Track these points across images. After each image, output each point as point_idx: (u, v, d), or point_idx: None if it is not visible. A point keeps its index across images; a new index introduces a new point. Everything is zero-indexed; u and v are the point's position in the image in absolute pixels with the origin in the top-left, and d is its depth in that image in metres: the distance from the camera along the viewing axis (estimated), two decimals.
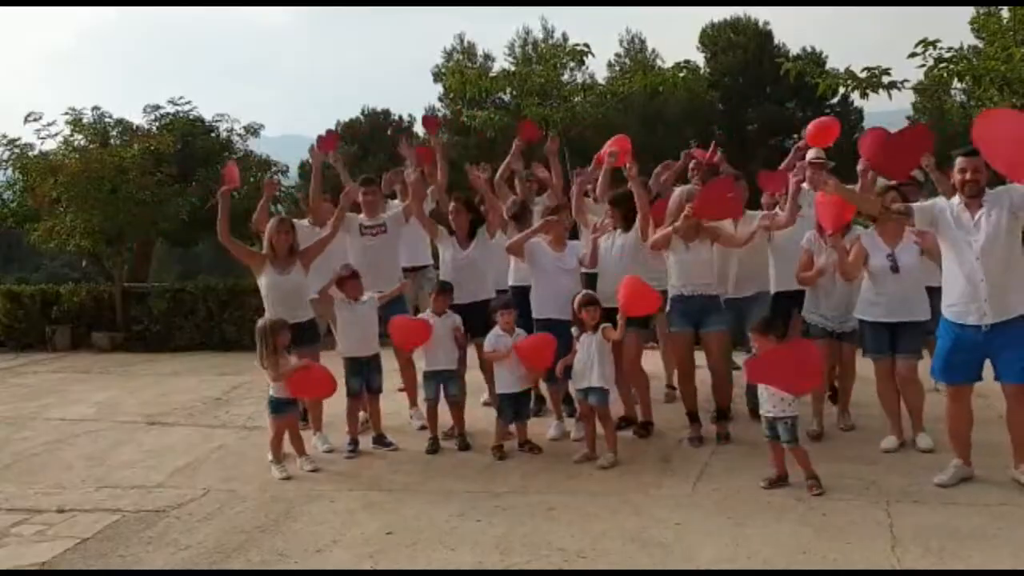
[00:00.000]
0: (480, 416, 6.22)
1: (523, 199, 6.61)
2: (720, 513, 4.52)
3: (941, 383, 5.80)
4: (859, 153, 5.22)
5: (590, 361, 5.42)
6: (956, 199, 4.65)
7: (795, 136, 29.77)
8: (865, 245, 5.35)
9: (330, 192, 7.16)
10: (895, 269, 5.23)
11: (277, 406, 5.60)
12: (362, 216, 6.49)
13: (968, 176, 4.55)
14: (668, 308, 5.84)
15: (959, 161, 4.60)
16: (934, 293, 5.34)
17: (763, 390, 4.94)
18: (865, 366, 6.77)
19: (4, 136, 12.60)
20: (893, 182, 5.77)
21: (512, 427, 5.77)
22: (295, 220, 6.41)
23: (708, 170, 6.82)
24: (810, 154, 6.89)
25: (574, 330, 5.54)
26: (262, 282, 5.94)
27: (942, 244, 4.72)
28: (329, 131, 7.61)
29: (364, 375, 5.94)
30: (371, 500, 4.99)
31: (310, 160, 7.33)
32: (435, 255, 7.01)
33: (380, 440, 6.00)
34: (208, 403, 7.88)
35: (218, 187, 6.09)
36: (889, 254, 5.26)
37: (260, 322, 5.61)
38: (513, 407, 5.70)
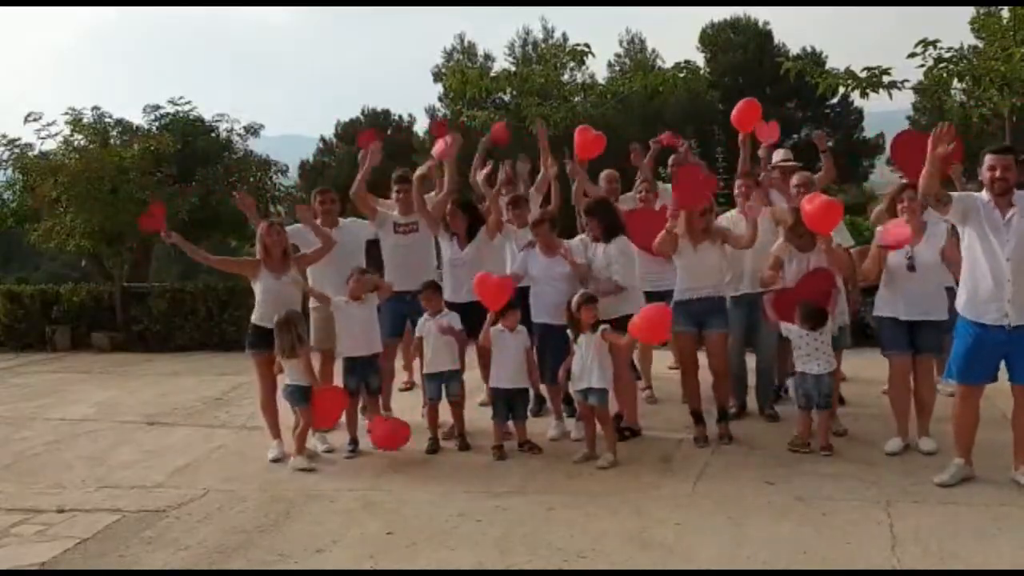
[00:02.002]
0: (479, 416, 6.22)
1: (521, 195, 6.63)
2: (720, 513, 4.52)
3: (944, 383, 5.79)
4: (891, 154, 5.32)
5: (589, 362, 5.41)
6: (985, 195, 4.57)
7: (795, 136, 29.79)
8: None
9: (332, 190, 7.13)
10: (912, 267, 5.18)
11: (303, 395, 5.65)
12: (396, 214, 6.49)
13: (998, 174, 4.49)
14: (671, 308, 5.84)
15: (988, 158, 4.55)
16: (951, 294, 5.32)
17: (803, 348, 5.28)
18: (862, 367, 6.79)
19: (4, 136, 12.61)
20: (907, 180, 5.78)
21: (511, 427, 5.76)
22: (293, 225, 6.44)
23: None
24: (777, 156, 6.94)
25: (570, 332, 5.53)
26: (258, 287, 5.92)
27: (968, 238, 4.62)
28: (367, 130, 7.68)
29: (362, 375, 5.93)
30: (371, 500, 4.99)
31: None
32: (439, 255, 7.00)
33: None
34: (208, 403, 7.88)
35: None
36: (907, 252, 5.20)
37: (277, 317, 5.64)
38: (507, 403, 5.69)
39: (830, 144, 7.09)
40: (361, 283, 5.87)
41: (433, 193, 6.79)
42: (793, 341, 5.42)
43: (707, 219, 5.73)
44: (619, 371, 6.00)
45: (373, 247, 6.70)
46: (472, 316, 5.93)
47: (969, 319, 4.63)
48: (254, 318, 5.91)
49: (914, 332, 5.25)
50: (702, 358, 5.93)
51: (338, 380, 6.01)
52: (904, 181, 5.75)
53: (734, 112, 6.74)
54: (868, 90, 8.99)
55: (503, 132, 7.12)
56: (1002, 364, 4.64)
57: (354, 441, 5.91)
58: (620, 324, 5.61)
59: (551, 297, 5.82)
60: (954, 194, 4.69)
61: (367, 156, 6.47)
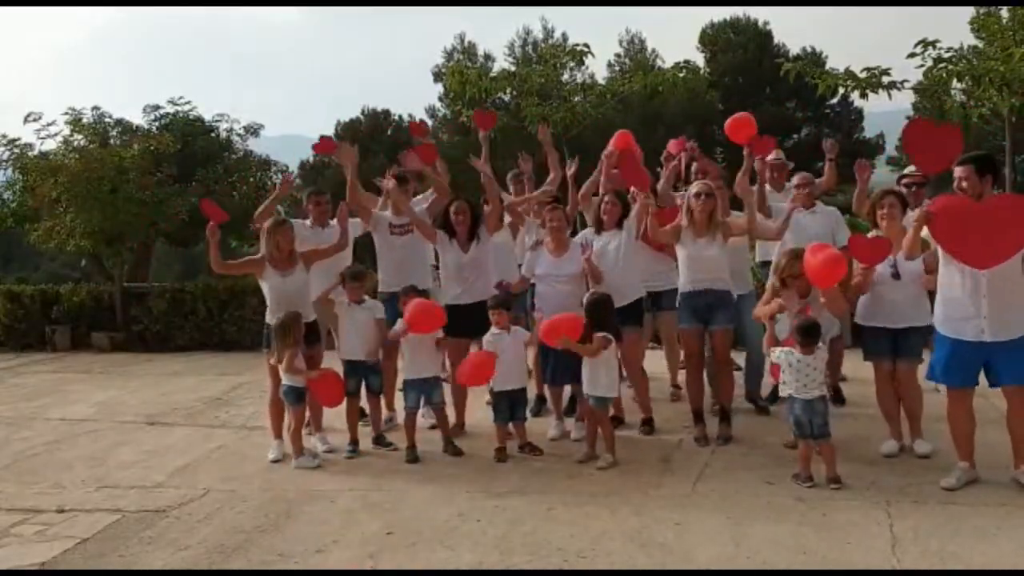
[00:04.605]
0: (480, 416, 6.22)
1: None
2: (720, 513, 4.52)
3: (942, 384, 5.79)
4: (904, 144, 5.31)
5: (596, 367, 5.41)
6: None
7: (795, 136, 29.80)
8: None
9: (331, 191, 7.14)
10: (897, 276, 5.15)
11: (300, 395, 5.68)
12: (390, 214, 6.51)
13: (964, 184, 4.53)
14: (678, 304, 5.86)
15: (956, 170, 4.59)
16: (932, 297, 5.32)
17: (787, 370, 4.89)
18: (862, 367, 6.79)
19: (4, 136, 12.63)
20: (892, 186, 5.81)
21: (512, 428, 5.76)
22: (294, 220, 6.43)
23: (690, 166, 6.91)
24: (770, 156, 6.93)
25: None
26: (265, 285, 5.93)
27: (946, 255, 4.63)
28: (323, 137, 7.64)
29: (362, 374, 5.93)
30: (371, 500, 4.99)
31: (310, 160, 7.36)
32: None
33: (380, 440, 6.00)
34: (208, 403, 7.88)
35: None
36: (891, 261, 5.16)
37: (277, 318, 5.66)
38: (509, 405, 5.68)
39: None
40: (359, 286, 5.91)
41: (422, 196, 6.80)
42: (781, 363, 5.02)
43: (710, 211, 5.66)
44: (631, 367, 6.09)
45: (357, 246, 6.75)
46: (476, 317, 5.92)
47: (945, 335, 4.66)
48: (267, 318, 5.93)
49: (897, 338, 5.25)
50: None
51: None
52: (885, 188, 5.75)
53: (729, 123, 6.57)
54: (868, 90, 9.00)
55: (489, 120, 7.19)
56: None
57: (354, 442, 5.90)
58: (623, 312, 5.68)
59: (555, 298, 5.81)
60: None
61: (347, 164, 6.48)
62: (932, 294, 5.25)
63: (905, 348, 5.26)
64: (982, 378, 4.73)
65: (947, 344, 4.66)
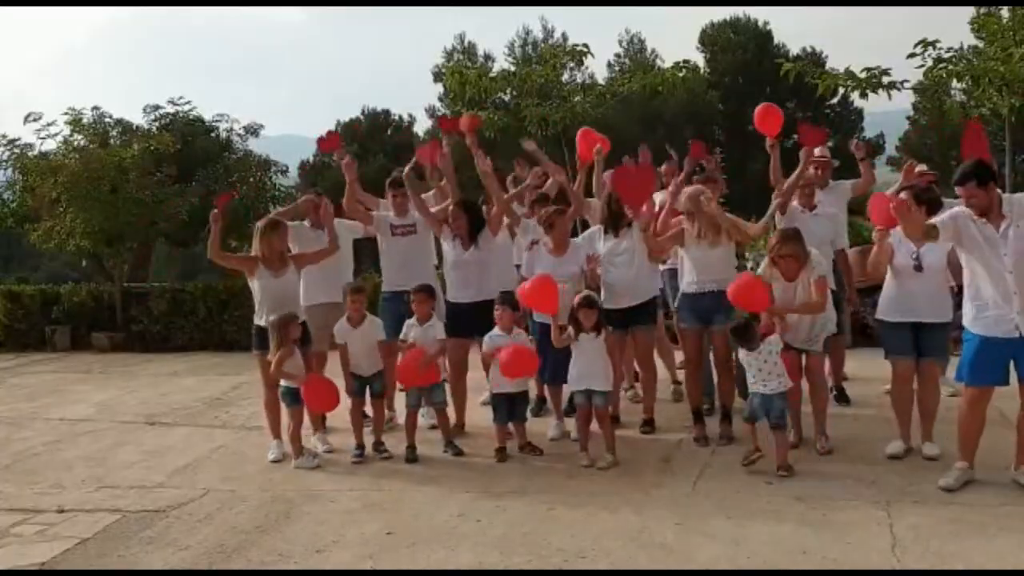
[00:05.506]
0: (480, 416, 6.22)
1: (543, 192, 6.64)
2: (720, 513, 4.52)
3: (946, 387, 5.74)
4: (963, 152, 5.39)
5: (592, 363, 5.41)
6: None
7: (795, 136, 29.83)
8: (891, 242, 5.23)
9: (330, 192, 7.13)
10: (919, 268, 5.12)
11: (297, 396, 5.66)
12: (392, 216, 6.51)
13: (973, 202, 4.50)
14: (677, 305, 5.85)
15: (958, 191, 4.55)
16: (952, 292, 5.31)
17: (752, 368, 5.10)
18: (862, 367, 6.78)
19: (4, 136, 12.63)
20: (909, 183, 5.77)
21: (512, 428, 5.75)
22: (293, 222, 6.43)
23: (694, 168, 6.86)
24: (816, 151, 6.90)
25: (571, 330, 5.50)
26: (256, 284, 5.92)
27: (967, 256, 4.61)
28: (330, 132, 7.59)
29: (366, 380, 5.90)
30: (371, 500, 4.99)
31: (310, 160, 7.32)
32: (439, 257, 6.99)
33: (378, 448, 5.92)
34: (208, 403, 7.89)
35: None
36: (914, 253, 5.14)
37: (272, 318, 5.66)
38: (508, 407, 5.67)
39: (829, 145, 7.11)
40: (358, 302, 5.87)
41: (431, 193, 6.79)
42: (743, 360, 5.19)
43: (713, 215, 5.66)
44: (644, 363, 6.13)
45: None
46: (475, 316, 5.91)
47: (976, 333, 4.61)
48: (256, 319, 5.92)
49: (919, 335, 5.19)
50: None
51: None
52: (903, 184, 5.75)
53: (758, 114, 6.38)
54: (868, 90, 9.00)
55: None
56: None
57: (360, 447, 5.82)
58: (637, 311, 5.72)
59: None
60: (938, 223, 4.62)
61: (345, 169, 6.42)
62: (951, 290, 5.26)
63: (930, 346, 5.19)
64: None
65: (976, 342, 4.61)
